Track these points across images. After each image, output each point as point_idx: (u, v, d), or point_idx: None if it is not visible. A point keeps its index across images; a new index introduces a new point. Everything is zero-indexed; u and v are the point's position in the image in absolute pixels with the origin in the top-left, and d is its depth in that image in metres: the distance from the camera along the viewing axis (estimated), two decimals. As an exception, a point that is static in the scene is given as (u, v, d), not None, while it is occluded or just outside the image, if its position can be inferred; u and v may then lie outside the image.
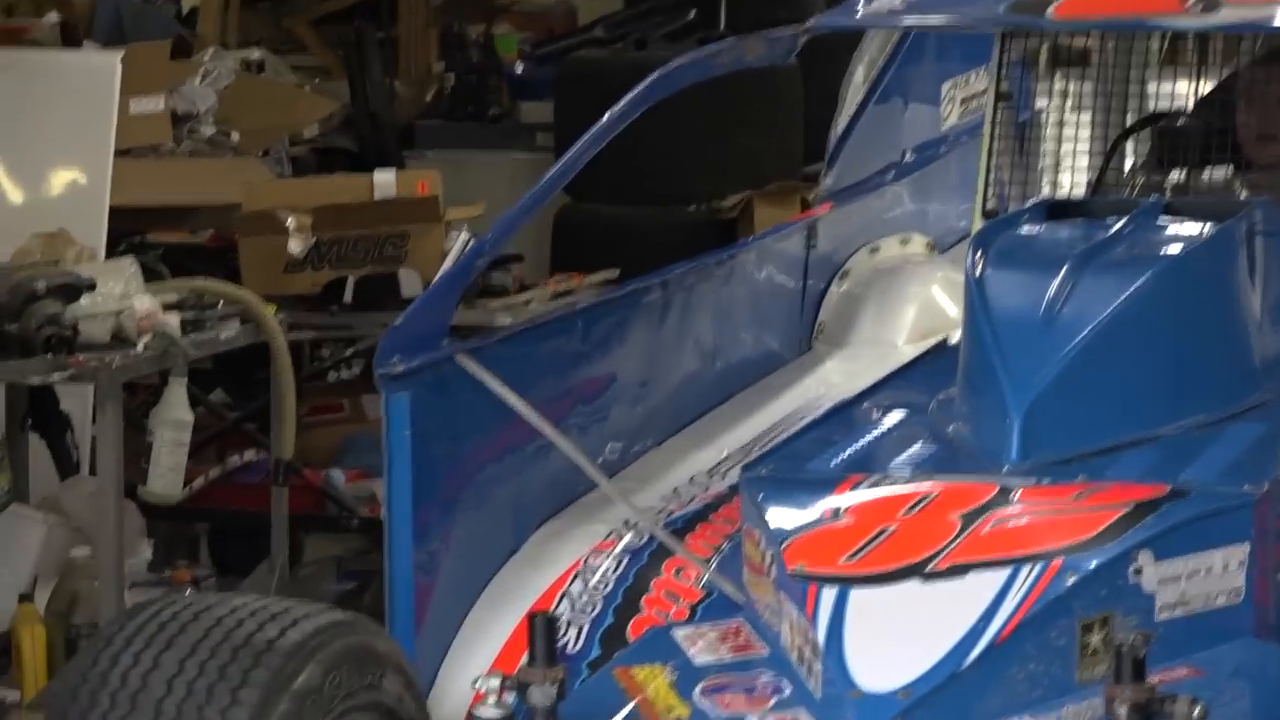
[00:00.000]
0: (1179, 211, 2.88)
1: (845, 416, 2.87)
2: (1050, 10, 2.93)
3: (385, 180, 4.58)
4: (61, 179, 4.51)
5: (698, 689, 2.12)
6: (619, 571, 2.46)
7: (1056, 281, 2.53)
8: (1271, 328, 2.74)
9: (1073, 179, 3.51)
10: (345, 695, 1.75)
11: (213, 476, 4.69)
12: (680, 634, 2.27)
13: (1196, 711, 1.75)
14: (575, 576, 2.47)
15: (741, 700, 2.07)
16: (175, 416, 3.84)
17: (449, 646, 2.38)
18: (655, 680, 2.19)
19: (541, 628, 1.98)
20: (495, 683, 1.93)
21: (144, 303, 3.65)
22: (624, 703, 2.12)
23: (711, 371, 3.23)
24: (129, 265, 3.86)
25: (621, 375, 2.92)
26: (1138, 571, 2.01)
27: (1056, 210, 3.00)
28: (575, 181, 3.59)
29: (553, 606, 2.37)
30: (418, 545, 2.30)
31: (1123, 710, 1.72)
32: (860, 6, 3.19)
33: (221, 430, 5.03)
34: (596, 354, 2.87)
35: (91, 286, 3.58)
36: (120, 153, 4.55)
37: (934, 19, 3.33)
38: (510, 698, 1.91)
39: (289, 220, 4.22)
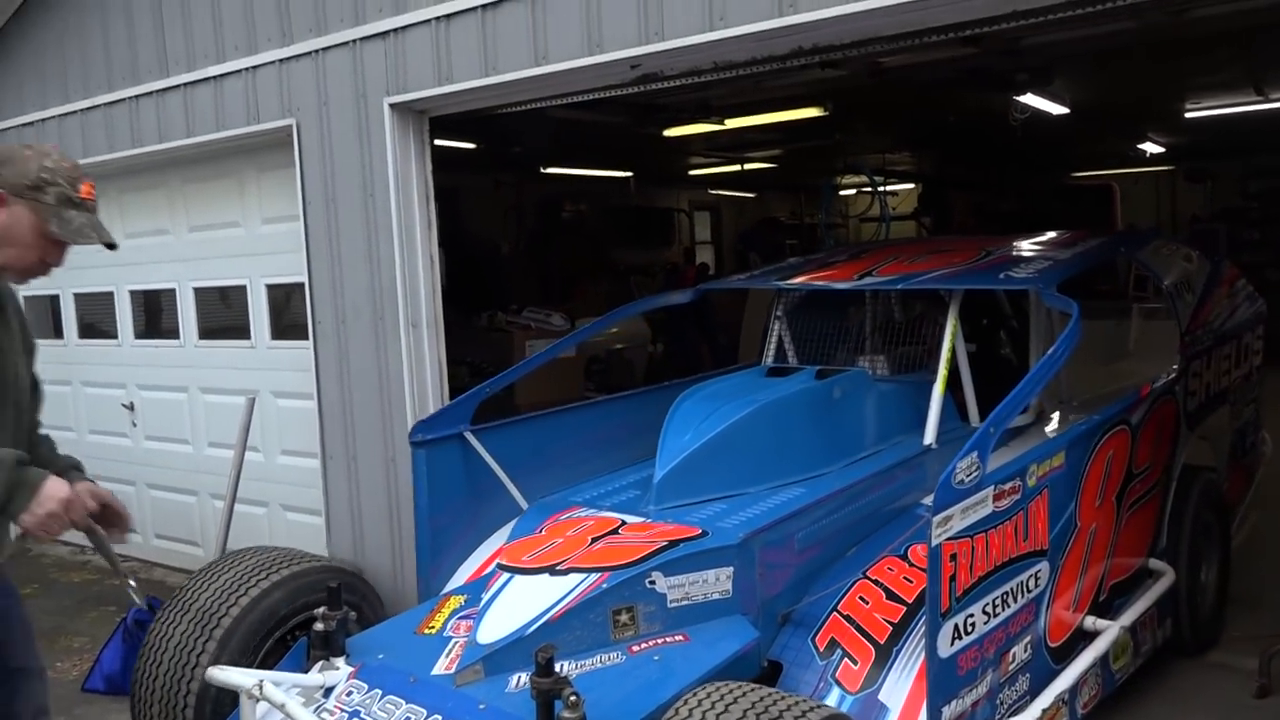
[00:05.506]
0: (821, 375, 3.91)
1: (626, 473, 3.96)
2: (783, 283, 4.52)
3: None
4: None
5: (455, 617, 3.17)
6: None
7: (708, 409, 3.52)
8: (823, 439, 3.61)
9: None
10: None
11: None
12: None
13: (573, 698, 2.37)
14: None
15: (463, 626, 3.10)
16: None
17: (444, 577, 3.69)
18: (451, 603, 3.27)
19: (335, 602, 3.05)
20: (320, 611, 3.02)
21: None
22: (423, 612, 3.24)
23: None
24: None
25: (533, 451, 4.06)
26: (651, 582, 2.95)
27: (775, 370, 4.16)
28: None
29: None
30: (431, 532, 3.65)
31: (534, 691, 2.44)
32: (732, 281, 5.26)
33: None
34: (530, 440, 4.06)
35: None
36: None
37: (756, 284, 5.15)
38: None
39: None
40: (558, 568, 3.02)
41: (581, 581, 2.94)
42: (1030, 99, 7.74)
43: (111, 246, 2.54)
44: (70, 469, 2.56)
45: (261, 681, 2.54)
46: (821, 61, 4.25)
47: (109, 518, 2.57)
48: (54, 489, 2.30)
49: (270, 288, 5.80)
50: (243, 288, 5.90)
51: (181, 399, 6.39)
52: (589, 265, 13.04)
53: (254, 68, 5.38)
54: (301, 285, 5.39)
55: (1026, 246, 4.53)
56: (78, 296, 7.02)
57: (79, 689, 4.36)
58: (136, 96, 5.96)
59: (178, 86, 5.73)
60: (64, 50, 6.41)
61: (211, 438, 6.23)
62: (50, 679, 4.81)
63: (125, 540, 2.80)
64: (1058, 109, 8.37)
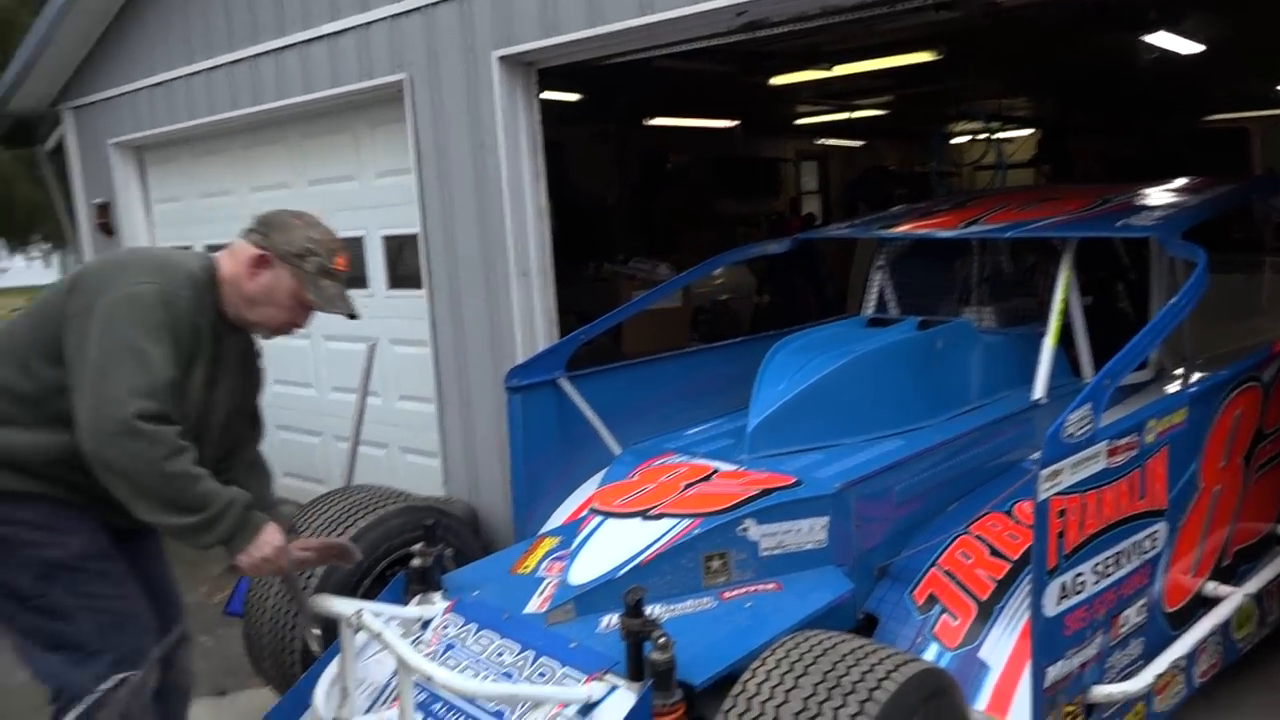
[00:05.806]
0: (923, 326, 3.74)
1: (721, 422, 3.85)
2: (884, 232, 4.34)
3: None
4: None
5: (549, 559, 3.13)
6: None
7: (804, 359, 3.39)
8: (924, 391, 3.42)
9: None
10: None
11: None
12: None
13: (662, 640, 2.34)
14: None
15: (556, 567, 3.04)
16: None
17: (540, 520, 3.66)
18: (545, 544, 3.24)
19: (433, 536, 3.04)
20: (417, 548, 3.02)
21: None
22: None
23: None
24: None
25: (627, 398, 3.96)
26: (744, 529, 2.85)
27: (875, 321, 3.96)
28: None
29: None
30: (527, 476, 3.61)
31: (624, 632, 2.39)
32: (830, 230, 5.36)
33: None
34: (624, 388, 3.96)
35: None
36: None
37: (856, 234, 4.81)
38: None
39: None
40: (650, 512, 2.95)
41: (674, 527, 2.86)
42: (1160, 38, 7.15)
43: (353, 317, 2.64)
44: (289, 531, 2.69)
45: (361, 610, 2.56)
46: (935, 4, 4.02)
47: (332, 556, 2.77)
48: (270, 536, 2.45)
49: (386, 239, 5.87)
50: (360, 239, 5.99)
51: (305, 345, 6.56)
52: (694, 216, 12.81)
53: (367, 24, 5.40)
54: (415, 236, 5.43)
55: (1148, 193, 4.21)
56: (208, 249, 7.25)
57: (221, 612, 4.62)
58: (256, 55, 6.07)
59: (295, 44, 5.80)
60: (188, 13, 6.56)
61: (334, 383, 6.40)
62: (197, 602, 5.12)
63: (357, 561, 2.92)
64: (1190, 47, 7.70)
